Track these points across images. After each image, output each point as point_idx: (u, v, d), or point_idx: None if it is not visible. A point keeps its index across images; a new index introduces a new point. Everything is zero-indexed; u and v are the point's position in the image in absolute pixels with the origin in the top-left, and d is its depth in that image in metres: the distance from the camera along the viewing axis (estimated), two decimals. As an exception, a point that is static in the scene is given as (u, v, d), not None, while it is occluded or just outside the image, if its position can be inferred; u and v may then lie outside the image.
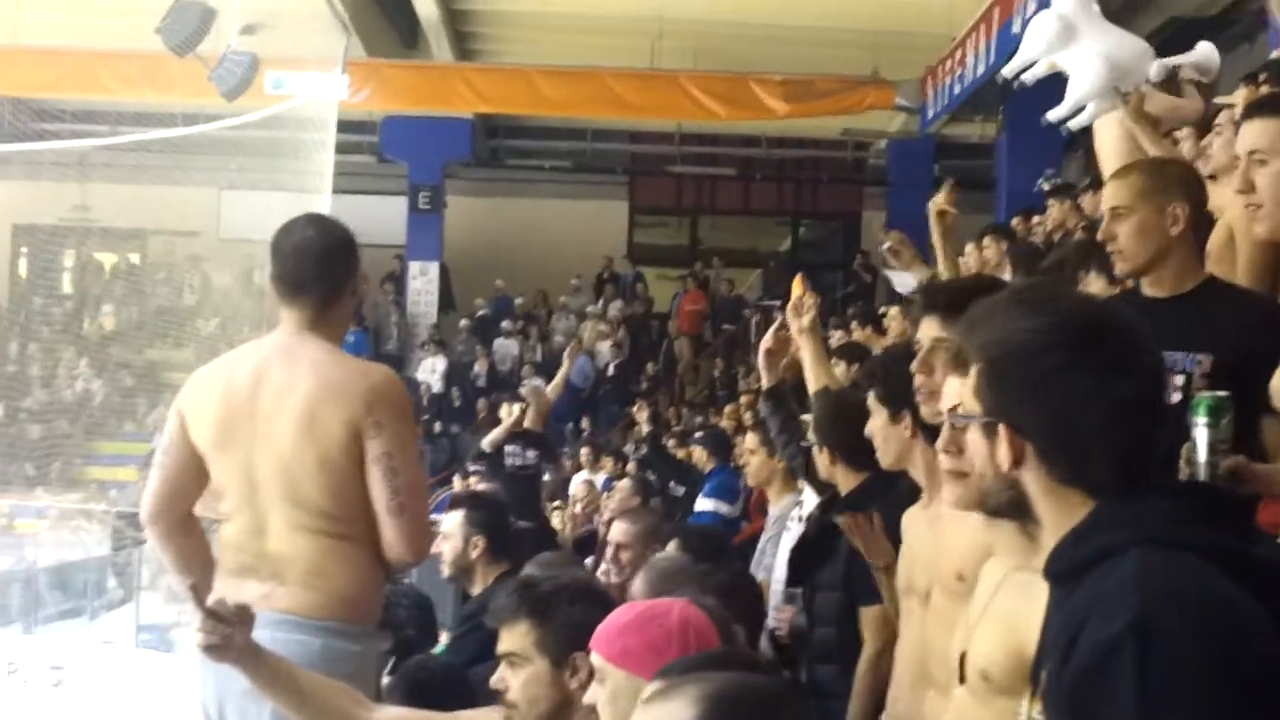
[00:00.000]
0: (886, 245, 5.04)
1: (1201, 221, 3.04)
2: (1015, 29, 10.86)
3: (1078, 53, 3.76)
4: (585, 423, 16.04)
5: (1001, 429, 1.70)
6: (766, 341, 4.39)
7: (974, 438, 1.75)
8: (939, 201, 4.67)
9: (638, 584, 3.69)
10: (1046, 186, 8.40)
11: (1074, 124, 3.86)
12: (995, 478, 1.74)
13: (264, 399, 3.37)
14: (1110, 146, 3.84)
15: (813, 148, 17.92)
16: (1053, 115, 3.89)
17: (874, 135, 16.15)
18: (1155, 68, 3.96)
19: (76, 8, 13.35)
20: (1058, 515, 1.69)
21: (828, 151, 18.07)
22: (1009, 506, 1.77)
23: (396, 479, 3.33)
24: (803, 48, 14.00)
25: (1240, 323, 2.87)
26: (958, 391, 1.87)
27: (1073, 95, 3.78)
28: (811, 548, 4.21)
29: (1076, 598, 1.60)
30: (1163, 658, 1.47)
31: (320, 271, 3.38)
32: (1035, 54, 3.78)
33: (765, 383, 4.54)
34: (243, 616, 2.72)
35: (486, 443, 9.47)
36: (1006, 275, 5.01)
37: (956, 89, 13.58)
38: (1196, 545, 1.57)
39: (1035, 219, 8.51)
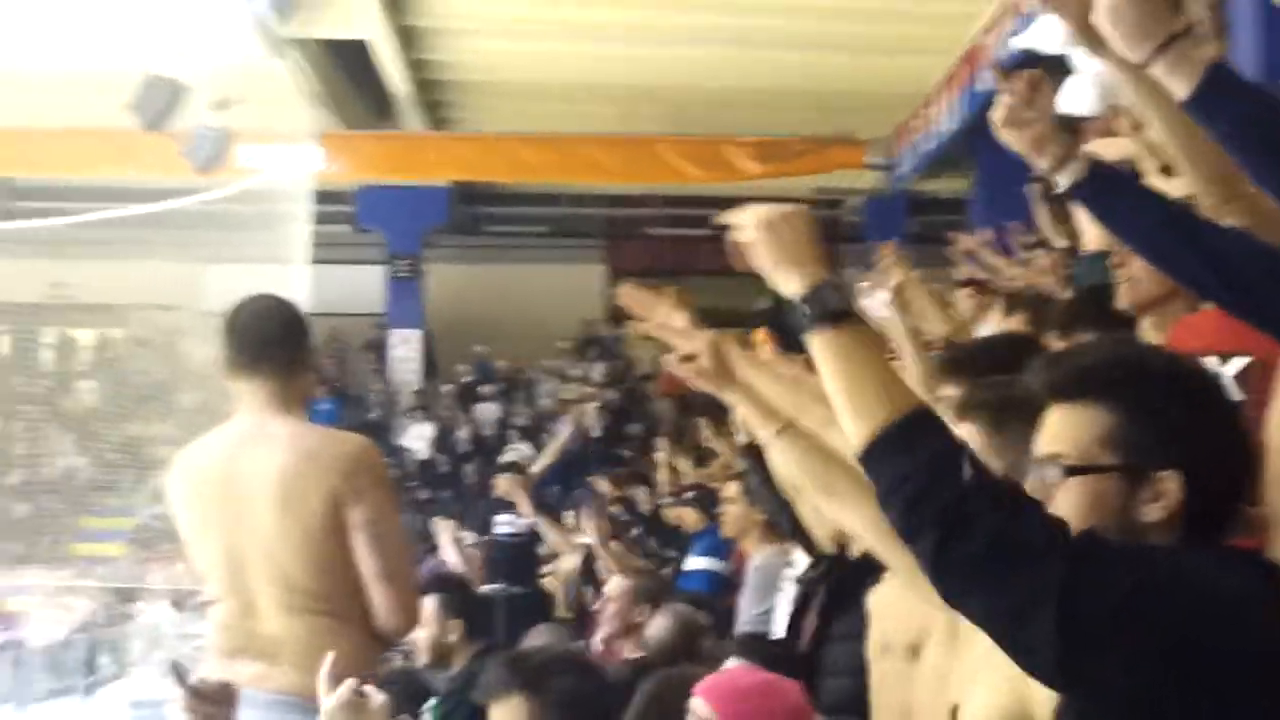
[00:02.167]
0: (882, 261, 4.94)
1: None
2: (983, 85, 10.93)
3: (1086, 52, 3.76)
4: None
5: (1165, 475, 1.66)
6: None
7: (1081, 491, 1.69)
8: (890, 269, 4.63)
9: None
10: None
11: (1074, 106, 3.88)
12: (1114, 527, 1.67)
13: (240, 480, 3.36)
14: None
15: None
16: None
17: (847, 193, 16.20)
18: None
19: (47, 87, 13.38)
20: None
21: (804, 210, 18.10)
22: None
23: (383, 544, 3.31)
24: (775, 111, 14.08)
25: None
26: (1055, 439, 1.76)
27: (1074, 91, 3.80)
28: (829, 598, 4.16)
29: None
30: None
31: (279, 343, 3.39)
32: (1052, 43, 3.78)
33: (745, 438, 4.48)
34: (226, 695, 2.70)
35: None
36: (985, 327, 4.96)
37: (927, 146, 13.66)
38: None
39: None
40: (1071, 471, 1.69)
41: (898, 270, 4.47)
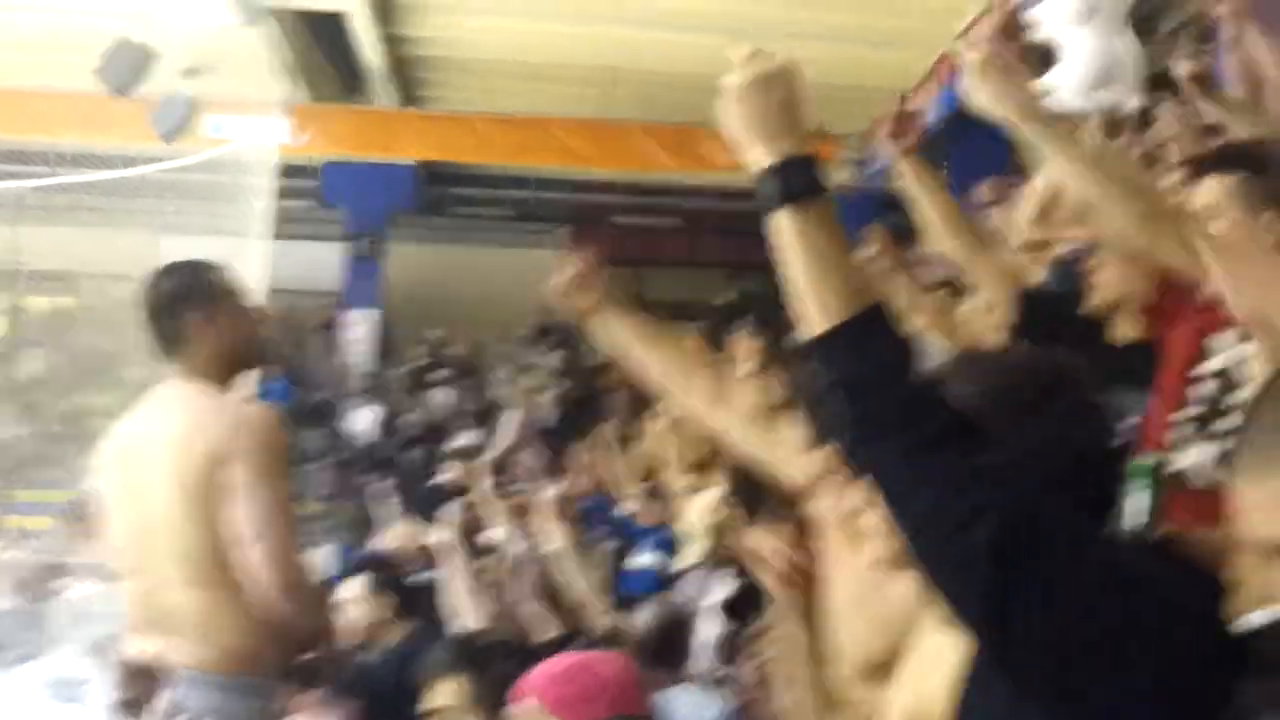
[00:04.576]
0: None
1: None
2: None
3: (1084, 35, 3.74)
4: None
5: None
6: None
7: None
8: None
9: None
10: None
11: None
12: None
13: (140, 452, 3.43)
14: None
15: (756, 200, 17.89)
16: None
17: (820, 188, 16.16)
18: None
19: (12, 46, 13.11)
20: None
21: (775, 204, 18.07)
22: None
23: (250, 508, 3.29)
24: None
25: None
26: None
27: (1056, 75, 3.76)
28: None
29: None
30: None
31: (160, 324, 3.50)
32: (1052, 17, 3.76)
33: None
34: (153, 673, 2.70)
35: None
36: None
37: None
38: None
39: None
40: None
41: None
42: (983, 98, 2.63)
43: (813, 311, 1.76)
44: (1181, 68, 3.40)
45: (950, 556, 1.56)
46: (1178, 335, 2.91)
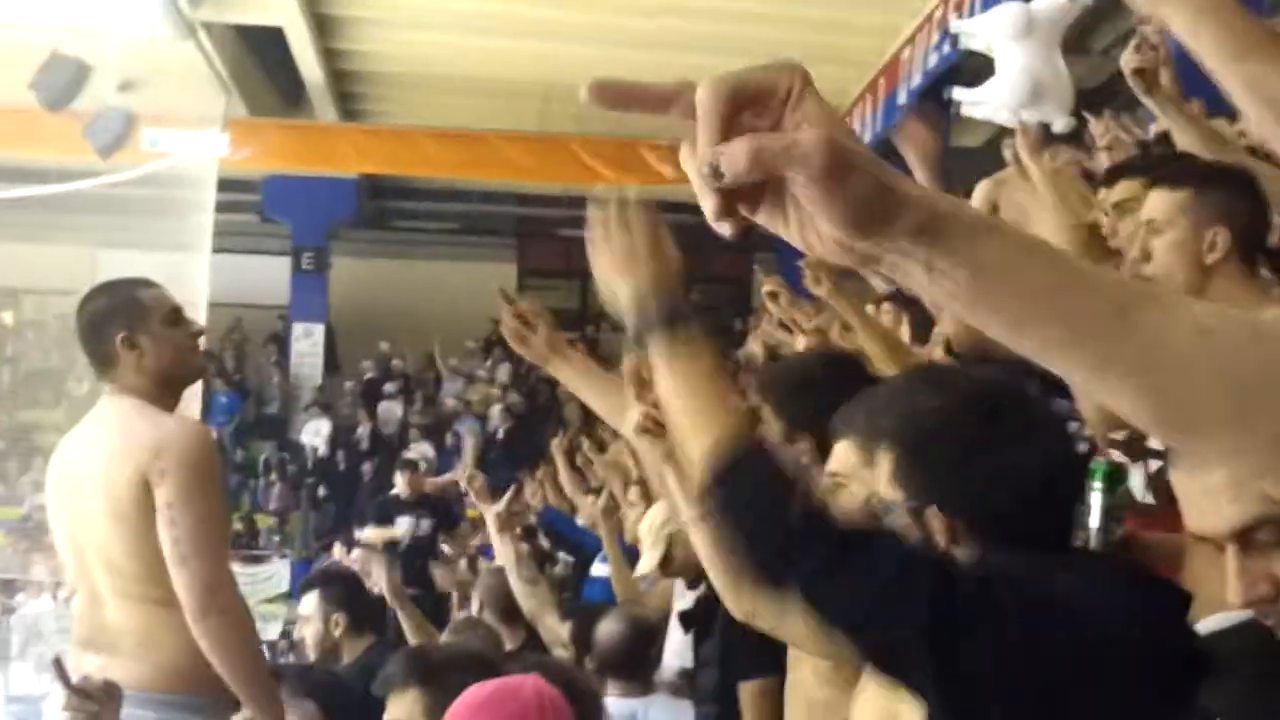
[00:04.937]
0: (765, 289, 4.97)
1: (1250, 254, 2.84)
2: (900, 99, 10.97)
3: (1018, 52, 3.75)
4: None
5: (930, 511, 1.68)
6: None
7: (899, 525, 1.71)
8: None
9: None
10: None
11: (966, 110, 3.87)
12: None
13: (76, 467, 3.40)
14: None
15: (701, 213, 17.90)
16: (957, 93, 3.87)
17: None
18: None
19: (-55, 61, 12.97)
20: None
21: (718, 216, 18.10)
22: None
23: (176, 529, 3.27)
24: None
25: None
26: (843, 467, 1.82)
27: (988, 89, 3.77)
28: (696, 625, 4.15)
29: None
30: None
31: (90, 344, 3.47)
32: (989, 30, 3.76)
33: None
34: (110, 693, 2.67)
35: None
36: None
37: (844, 155, 13.68)
38: None
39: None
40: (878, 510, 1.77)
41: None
42: None
43: (691, 443, 1.83)
44: (1127, 62, 3.39)
45: (894, 653, 1.58)
46: None
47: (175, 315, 3.52)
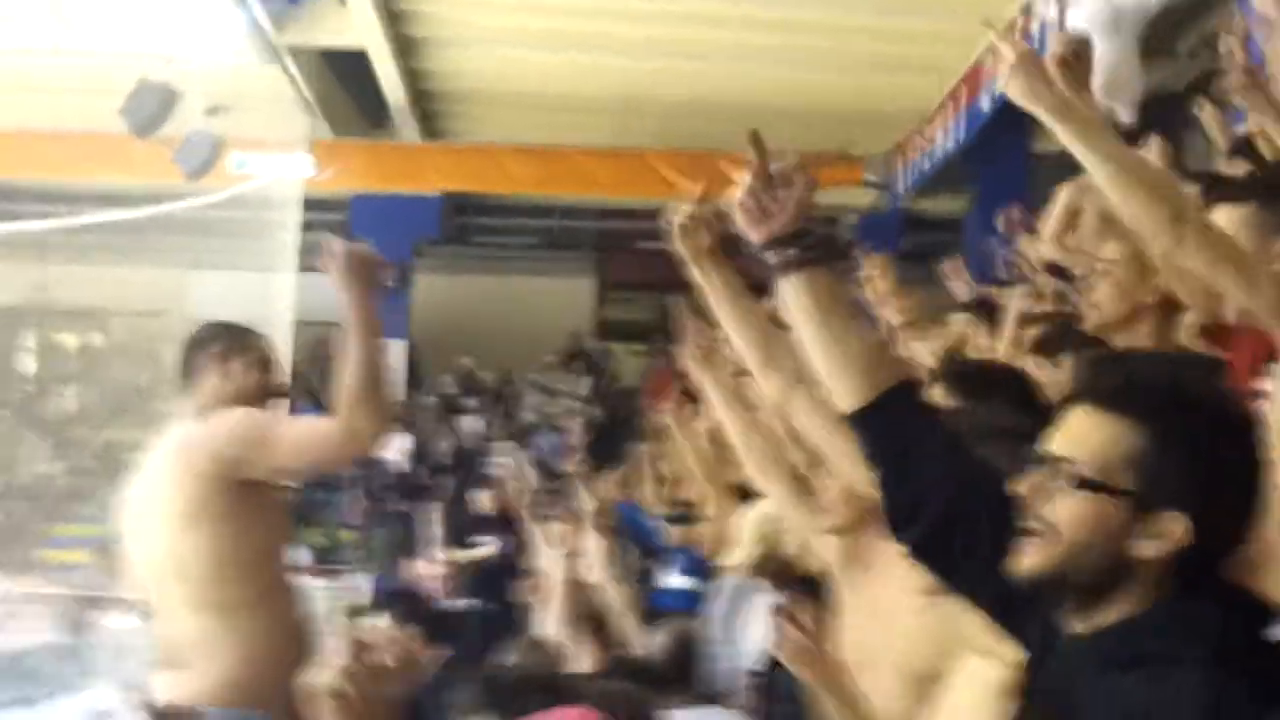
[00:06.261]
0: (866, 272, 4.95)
1: None
2: (984, 106, 10.90)
3: (1102, 49, 3.75)
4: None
5: (1172, 513, 1.59)
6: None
7: (1086, 506, 1.61)
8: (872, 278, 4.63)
9: None
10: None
11: None
12: (1104, 556, 1.61)
13: (146, 483, 3.53)
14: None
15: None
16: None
17: (842, 210, 16.15)
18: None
19: (37, 89, 13.25)
20: (1143, 601, 1.62)
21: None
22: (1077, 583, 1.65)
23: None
24: (770, 126, 13.95)
25: None
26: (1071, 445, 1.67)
27: None
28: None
29: (1117, 686, 1.55)
30: None
31: (185, 356, 3.66)
32: (1082, 25, 3.79)
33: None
34: (192, 717, 2.65)
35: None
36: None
37: (926, 165, 13.61)
38: (1253, 673, 1.51)
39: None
40: (1082, 483, 1.61)
41: None
42: (1018, 91, 2.62)
43: (843, 383, 1.93)
44: (1230, 89, 3.41)
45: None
46: (1237, 357, 2.88)
47: (268, 363, 3.64)
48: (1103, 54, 4.01)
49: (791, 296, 1.97)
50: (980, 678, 1.82)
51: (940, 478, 1.83)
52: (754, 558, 4.40)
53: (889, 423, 1.89)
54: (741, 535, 4.44)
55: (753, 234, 2.00)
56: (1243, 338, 2.84)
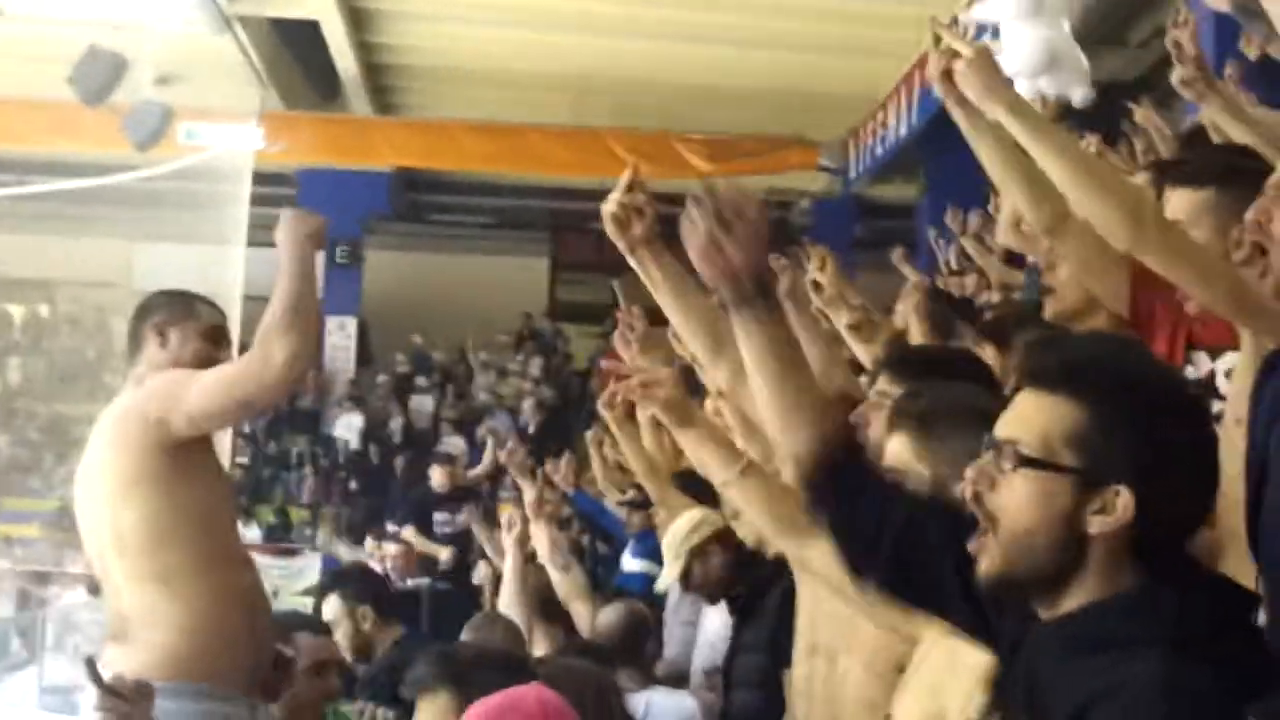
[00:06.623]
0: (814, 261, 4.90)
1: None
2: (936, 92, 10.89)
3: (1028, 29, 3.78)
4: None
5: (1117, 487, 1.57)
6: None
7: (1031, 486, 1.60)
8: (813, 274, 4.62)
9: None
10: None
11: None
12: (1054, 538, 1.59)
13: (89, 453, 3.45)
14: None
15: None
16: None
17: (796, 195, 16.17)
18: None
19: (-15, 57, 13.07)
20: (1104, 586, 1.60)
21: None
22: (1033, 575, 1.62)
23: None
24: (725, 109, 14.01)
25: None
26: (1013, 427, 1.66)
27: (1003, 60, 3.78)
28: (740, 608, 4.16)
29: (1078, 670, 1.55)
30: None
31: (131, 325, 3.60)
32: (1000, 8, 3.81)
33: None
34: (142, 692, 2.61)
35: None
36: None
37: (879, 150, 13.63)
38: (1215, 658, 1.51)
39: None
40: (1025, 462, 1.60)
41: None
42: (975, 89, 2.66)
43: (788, 436, 1.98)
44: (1177, 79, 3.45)
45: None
46: (1158, 342, 2.89)
47: (215, 333, 3.57)
48: (1030, 37, 4.00)
49: (742, 336, 1.98)
50: (962, 662, 1.83)
51: (885, 516, 1.86)
52: (678, 576, 4.40)
53: (834, 479, 1.93)
54: (666, 552, 4.45)
55: (708, 271, 1.97)
56: (1163, 322, 2.86)
